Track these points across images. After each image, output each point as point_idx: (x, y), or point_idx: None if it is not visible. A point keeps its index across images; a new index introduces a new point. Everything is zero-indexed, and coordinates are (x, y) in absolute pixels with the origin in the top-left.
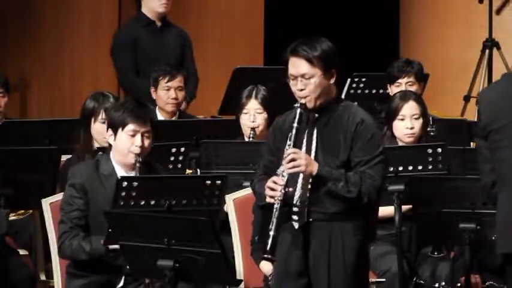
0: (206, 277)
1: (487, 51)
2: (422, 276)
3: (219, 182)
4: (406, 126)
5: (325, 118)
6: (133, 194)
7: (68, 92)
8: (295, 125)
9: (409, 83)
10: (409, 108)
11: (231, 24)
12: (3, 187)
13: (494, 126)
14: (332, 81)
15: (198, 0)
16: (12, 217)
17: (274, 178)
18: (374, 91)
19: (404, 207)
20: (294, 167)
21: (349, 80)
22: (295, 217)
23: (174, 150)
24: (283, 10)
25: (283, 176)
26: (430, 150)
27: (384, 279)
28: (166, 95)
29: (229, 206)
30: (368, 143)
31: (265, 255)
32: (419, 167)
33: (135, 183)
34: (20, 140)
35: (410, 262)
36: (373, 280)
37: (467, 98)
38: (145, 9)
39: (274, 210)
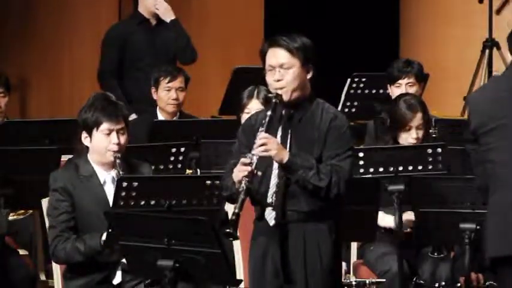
0: (206, 277)
1: (487, 51)
2: (422, 276)
3: (219, 182)
4: (411, 136)
5: (300, 115)
6: (133, 194)
7: (67, 92)
8: (269, 113)
9: (409, 84)
10: (417, 120)
11: (231, 24)
12: (3, 187)
13: (484, 129)
14: (309, 76)
15: (198, 0)
16: (12, 217)
17: (244, 160)
18: (374, 91)
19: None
20: (265, 150)
21: (349, 80)
22: (270, 216)
23: (174, 150)
24: (283, 10)
25: (252, 158)
26: (430, 150)
27: (384, 279)
28: (167, 96)
29: (230, 206)
30: (340, 137)
31: (227, 230)
32: (419, 167)
33: (135, 183)
34: (20, 140)
35: (410, 262)
36: (373, 280)
37: (465, 98)
38: (141, 8)
39: (241, 189)
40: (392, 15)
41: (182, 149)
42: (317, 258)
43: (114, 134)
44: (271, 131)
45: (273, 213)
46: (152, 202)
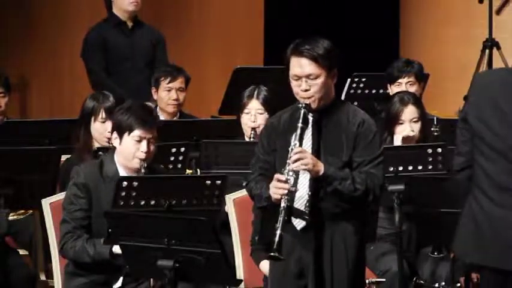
0: (206, 277)
1: (487, 51)
2: (422, 276)
3: (219, 182)
4: (405, 130)
5: (326, 119)
6: (133, 194)
7: (68, 92)
8: (300, 124)
9: (409, 83)
10: (408, 112)
11: (231, 24)
12: (3, 187)
13: (478, 133)
14: (334, 81)
15: (198, 0)
16: (12, 217)
17: (280, 177)
18: (374, 91)
19: None
20: (301, 165)
21: (349, 80)
22: (297, 218)
23: (174, 150)
24: (283, 10)
25: (289, 175)
26: (430, 150)
27: (383, 279)
28: (167, 96)
29: (229, 206)
30: (370, 143)
31: (272, 254)
32: (419, 167)
33: (135, 183)
34: (20, 140)
35: (410, 262)
36: (373, 280)
37: (467, 98)
38: (116, 10)
39: (281, 209)
40: (393, 15)
41: (182, 149)
42: (344, 259)
43: (144, 142)
44: (299, 140)
45: (302, 216)
46: (152, 202)
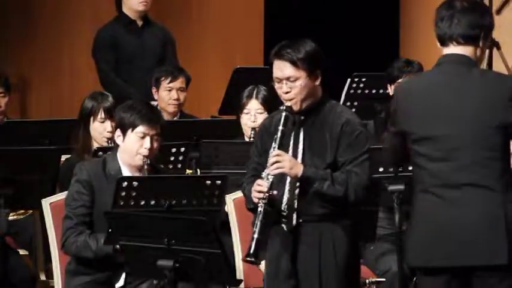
0: (206, 277)
1: (487, 51)
2: None
3: (219, 182)
4: None
5: (311, 119)
6: (133, 194)
7: (68, 92)
8: (280, 127)
9: None
10: None
11: (231, 24)
12: (3, 187)
13: (413, 137)
14: (317, 82)
15: (198, 0)
16: (12, 217)
17: (259, 181)
18: (374, 91)
19: None
20: (278, 168)
21: (349, 80)
22: (284, 220)
23: (174, 150)
24: (283, 10)
25: (267, 178)
26: None
27: (383, 279)
28: (168, 96)
29: (229, 206)
30: (353, 142)
31: (248, 258)
32: None
33: (135, 183)
34: (20, 140)
35: None
36: (373, 280)
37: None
38: (125, 9)
39: (258, 213)
40: (393, 15)
41: (182, 149)
42: (332, 259)
43: (147, 138)
44: (284, 140)
45: (288, 218)
46: (152, 202)
